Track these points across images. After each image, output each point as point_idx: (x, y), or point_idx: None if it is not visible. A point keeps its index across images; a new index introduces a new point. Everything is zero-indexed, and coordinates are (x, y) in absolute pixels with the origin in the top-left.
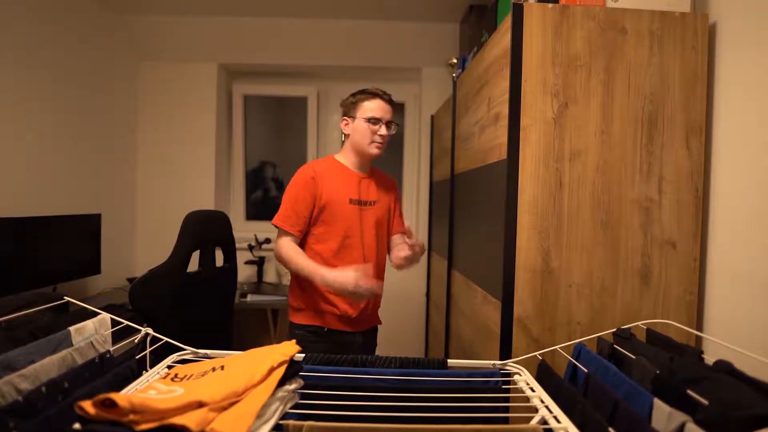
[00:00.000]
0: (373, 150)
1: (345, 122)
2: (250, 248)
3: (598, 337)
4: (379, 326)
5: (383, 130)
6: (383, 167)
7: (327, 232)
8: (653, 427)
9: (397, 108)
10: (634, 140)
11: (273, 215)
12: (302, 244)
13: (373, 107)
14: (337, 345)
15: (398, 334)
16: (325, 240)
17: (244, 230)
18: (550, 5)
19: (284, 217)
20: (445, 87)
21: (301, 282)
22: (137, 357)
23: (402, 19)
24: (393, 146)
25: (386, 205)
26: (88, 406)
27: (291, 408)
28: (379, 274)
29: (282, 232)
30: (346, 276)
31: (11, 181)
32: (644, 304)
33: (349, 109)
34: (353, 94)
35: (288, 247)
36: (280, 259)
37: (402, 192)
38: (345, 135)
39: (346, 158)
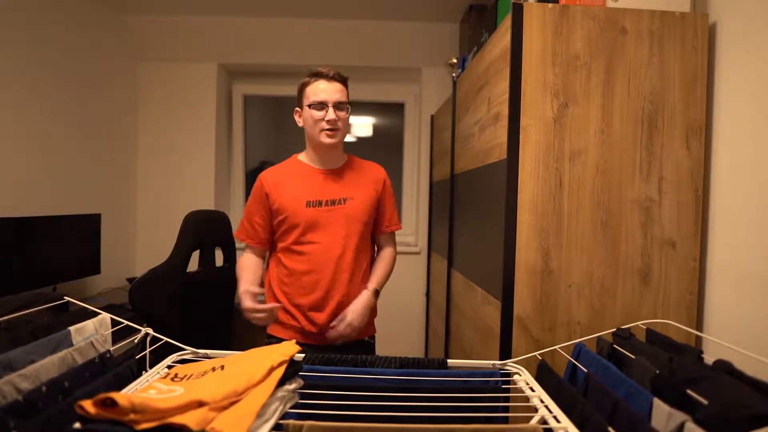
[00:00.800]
0: (324, 139)
1: (297, 114)
2: None
3: (598, 337)
4: (369, 339)
5: (330, 114)
6: (384, 167)
7: (290, 244)
8: (653, 427)
9: (348, 82)
10: (634, 140)
11: None
12: (278, 262)
13: (315, 90)
14: None
15: (398, 334)
16: (290, 253)
17: None
18: (550, 5)
19: (240, 229)
20: (445, 87)
21: (271, 289)
22: (137, 357)
23: (402, 19)
24: (393, 146)
25: (366, 200)
26: (88, 405)
27: (291, 408)
28: (357, 282)
29: (246, 245)
30: (242, 298)
31: (11, 181)
32: (644, 304)
33: (298, 98)
34: (300, 81)
35: (242, 259)
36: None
37: (402, 192)
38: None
39: (307, 155)
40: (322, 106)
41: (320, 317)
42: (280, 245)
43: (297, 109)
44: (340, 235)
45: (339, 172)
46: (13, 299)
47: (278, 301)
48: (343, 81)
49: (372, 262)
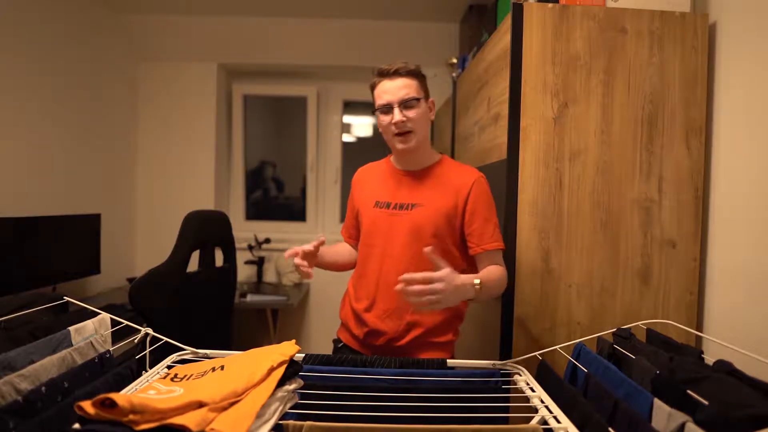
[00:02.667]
0: (397, 144)
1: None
2: (250, 248)
3: (598, 337)
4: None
5: (397, 116)
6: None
7: (360, 244)
8: (653, 427)
9: (419, 74)
10: (634, 140)
11: (273, 215)
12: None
13: (379, 92)
14: None
15: None
16: (360, 252)
17: (244, 230)
18: (550, 5)
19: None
20: (445, 87)
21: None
22: (137, 357)
23: (402, 19)
24: None
25: (438, 209)
26: (87, 406)
27: (291, 408)
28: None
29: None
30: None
31: (11, 181)
32: (644, 304)
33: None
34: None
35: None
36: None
37: None
38: None
39: (394, 155)
40: (387, 108)
41: (367, 326)
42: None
43: (376, 112)
44: (402, 241)
45: (420, 175)
46: (13, 299)
47: (353, 307)
48: (411, 74)
49: None
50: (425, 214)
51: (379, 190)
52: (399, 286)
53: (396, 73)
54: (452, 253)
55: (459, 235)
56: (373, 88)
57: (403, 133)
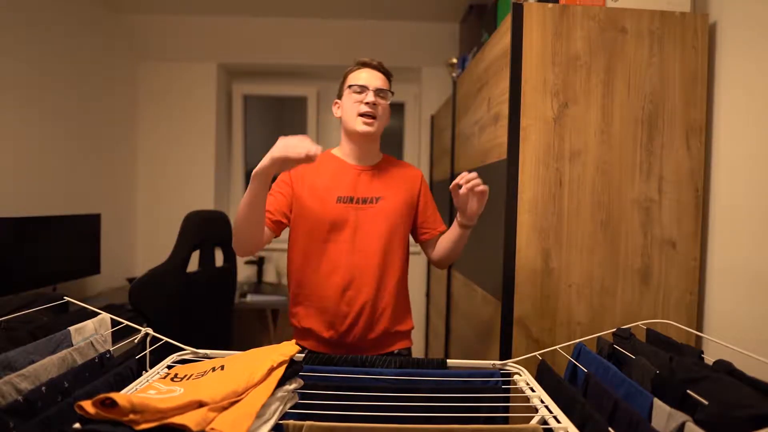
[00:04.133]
0: (360, 126)
1: (336, 105)
2: None
3: (598, 337)
4: (403, 351)
5: (370, 97)
6: None
7: (306, 236)
8: (653, 427)
9: (393, 76)
10: (634, 140)
11: None
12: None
13: (356, 76)
14: None
15: None
16: (304, 245)
17: None
18: (550, 5)
19: None
20: (445, 87)
21: (290, 289)
22: (137, 357)
23: (402, 19)
24: (393, 146)
25: (399, 202)
26: (87, 405)
27: (291, 408)
28: (389, 288)
29: None
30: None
31: (11, 181)
32: (644, 304)
33: (339, 89)
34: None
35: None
36: (233, 232)
37: None
38: (340, 121)
39: (341, 149)
40: (362, 89)
41: (344, 322)
42: (300, 245)
43: (336, 100)
44: (372, 235)
45: (373, 170)
46: (13, 299)
47: (299, 300)
48: (387, 74)
49: (406, 272)
50: (391, 207)
51: (336, 185)
52: (463, 182)
53: (378, 68)
54: (406, 240)
55: (411, 223)
56: (348, 73)
57: (371, 117)
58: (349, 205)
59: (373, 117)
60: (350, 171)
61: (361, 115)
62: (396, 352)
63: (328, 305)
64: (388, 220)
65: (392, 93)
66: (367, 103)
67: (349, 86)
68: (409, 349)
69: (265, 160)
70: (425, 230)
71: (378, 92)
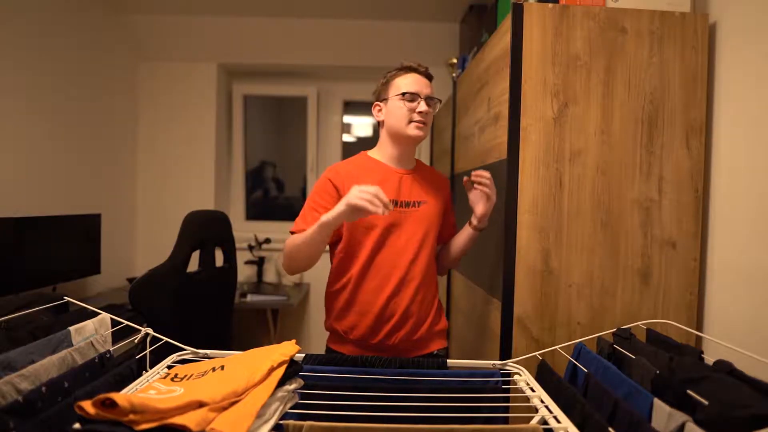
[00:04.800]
0: (413, 131)
1: (377, 108)
2: (250, 248)
3: (598, 337)
4: (441, 351)
5: (423, 106)
6: None
7: (354, 245)
8: (653, 427)
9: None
10: (634, 140)
11: (273, 215)
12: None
13: (407, 82)
14: None
15: None
16: (351, 255)
17: (244, 230)
18: (550, 5)
19: (299, 222)
20: (445, 87)
21: (329, 295)
22: (137, 357)
23: (402, 19)
24: None
25: (438, 206)
26: (87, 406)
27: (291, 408)
28: (428, 289)
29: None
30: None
31: (11, 181)
32: (644, 304)
33: (380, 91)
34: (384, 75)
35: (293, 237)
36: (288, 257)
37: None
38: (380, 124)
39: (381, 152)
40: (414, 97)
41: (389, 325)
42: (346, 251)
43: (377, 103)
44: (416, 239)
45: (413, 174)
46: (13, 299)
47: (337, 308)
48: (432, 79)
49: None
50: (433, 211)
51: (384, 189)
52: (474, 177)
53: (426, 74)
54: (435, 244)
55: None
56: (393, 77)
57: (424, 123)
58: (396, 208)
59: (425, 123)
60: (394, 174)
61: (414, 121)
62: (435, 352)
63: (374, 309)
64: (430, 223)
65: (440, 101)
66: (420, 112)
67: (402, 94)
68: (446, 349)
69: (341, 207)
70: (450, 233)
71: (429, 100)
